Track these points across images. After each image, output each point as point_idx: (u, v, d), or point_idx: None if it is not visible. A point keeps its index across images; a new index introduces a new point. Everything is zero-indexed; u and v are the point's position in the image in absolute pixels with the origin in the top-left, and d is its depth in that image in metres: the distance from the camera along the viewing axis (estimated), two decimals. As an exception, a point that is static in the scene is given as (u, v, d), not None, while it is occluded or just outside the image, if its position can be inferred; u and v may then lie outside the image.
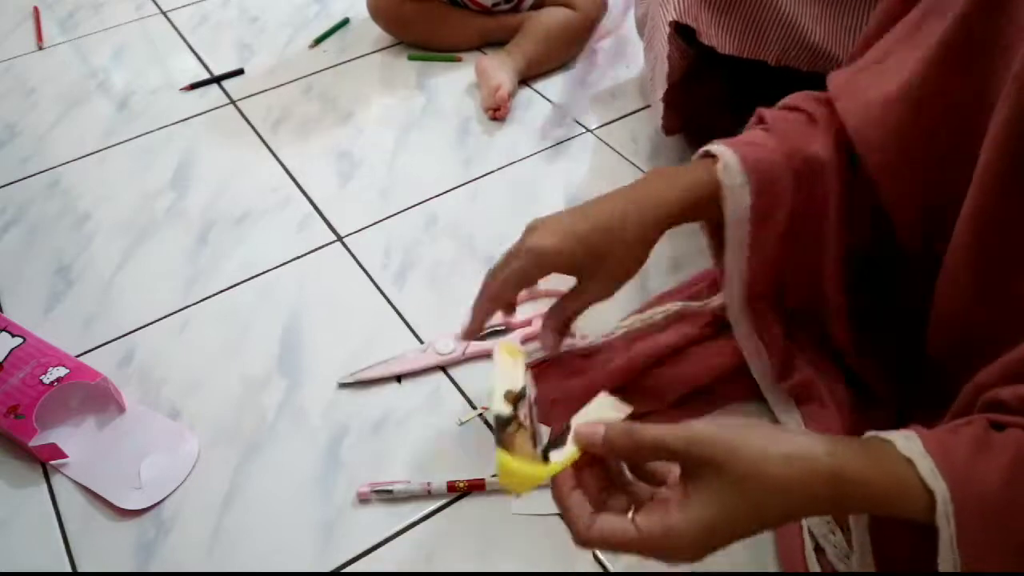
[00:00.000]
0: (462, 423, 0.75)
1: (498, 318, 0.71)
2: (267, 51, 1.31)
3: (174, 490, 0.73)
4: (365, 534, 0.69)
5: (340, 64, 1.27)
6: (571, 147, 1.08)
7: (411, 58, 1.26)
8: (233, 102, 1.21)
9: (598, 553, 0.66)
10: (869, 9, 0.81)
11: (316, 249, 0.96)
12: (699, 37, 0.87)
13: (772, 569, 0.65)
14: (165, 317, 0.89)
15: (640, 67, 1.20)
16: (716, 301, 0.78)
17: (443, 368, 0.81)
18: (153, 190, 1.06)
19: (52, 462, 0.76)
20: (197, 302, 0.91)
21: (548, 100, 1.16)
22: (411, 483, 0.71)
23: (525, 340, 0.81)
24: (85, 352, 0.86)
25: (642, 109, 1.13)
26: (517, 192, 1.02)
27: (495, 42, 1.25)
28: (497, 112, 1.11)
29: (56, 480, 0.75)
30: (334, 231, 0.98)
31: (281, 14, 1.40)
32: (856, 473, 0.43)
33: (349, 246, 0.96)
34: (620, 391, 0.75)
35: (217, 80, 1.25)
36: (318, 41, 1.32)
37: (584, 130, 1.11)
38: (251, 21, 1.39)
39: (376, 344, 0.83)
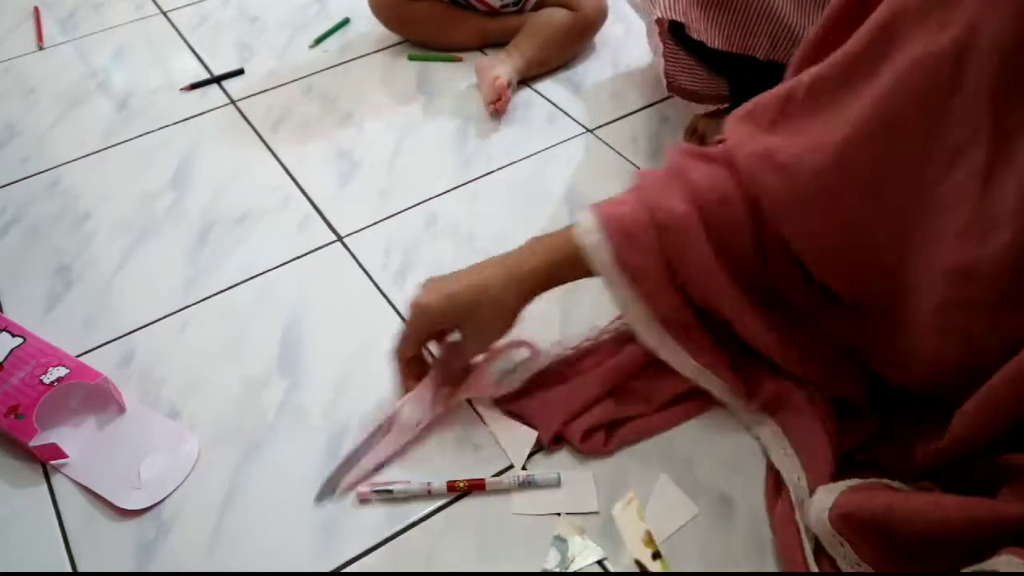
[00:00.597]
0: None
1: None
2: (267, 51, 1.31)
3: (174, 490, 0.73)
4: (365, 534, 0.69)
5: (340, 64, 1.27)
6: (571, 147, 1.08)
7: (411, 58, 1.26)
8: (233, 102, 1.21)
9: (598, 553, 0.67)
10: None
11: (316, 249, 0.96)
12: (688, 32, 0.88)
13: (772, 569, 0.65)
14: (165, 317, 0.89)
15: (640, 67, 1.20)
16: None
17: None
18: (153, 190, 1.06)
19: (52, 462, 0.76)
20: (197, 302, 0.91)
21: (548, 100, 1.16)
22: (411, 483, 0.71)
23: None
24: (85, 352, 0.86)
25: (642, 109, 1.13)
26: (517, 192, 1.02)
27: (496, 43, 1.25)
28: (497, 103, 1.11)
29: (56, 480, 0.75)
30: (334, 231, 0.98)
31: (281, 14, 1.40)
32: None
33: (349, 246, 0.96)
34: (609, 394, 0.75)
35: (217, 80, 1.25)
36: (318, 41, 1.32)
37: (584, 130, 1.11)
38: (251, 21, 1.39)
39: (376, 344, 0.83)
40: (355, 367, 0.82)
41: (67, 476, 0.75)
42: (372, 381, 0.80)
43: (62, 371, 0.79)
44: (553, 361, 0.80)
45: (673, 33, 0.92)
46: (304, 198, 1.03)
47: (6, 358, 0.81)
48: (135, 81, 1.27)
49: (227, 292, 0.92)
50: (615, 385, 0.76)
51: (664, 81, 0.97)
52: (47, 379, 0.78)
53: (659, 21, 0.89)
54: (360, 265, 0.94)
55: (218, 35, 1.37)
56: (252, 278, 0.93)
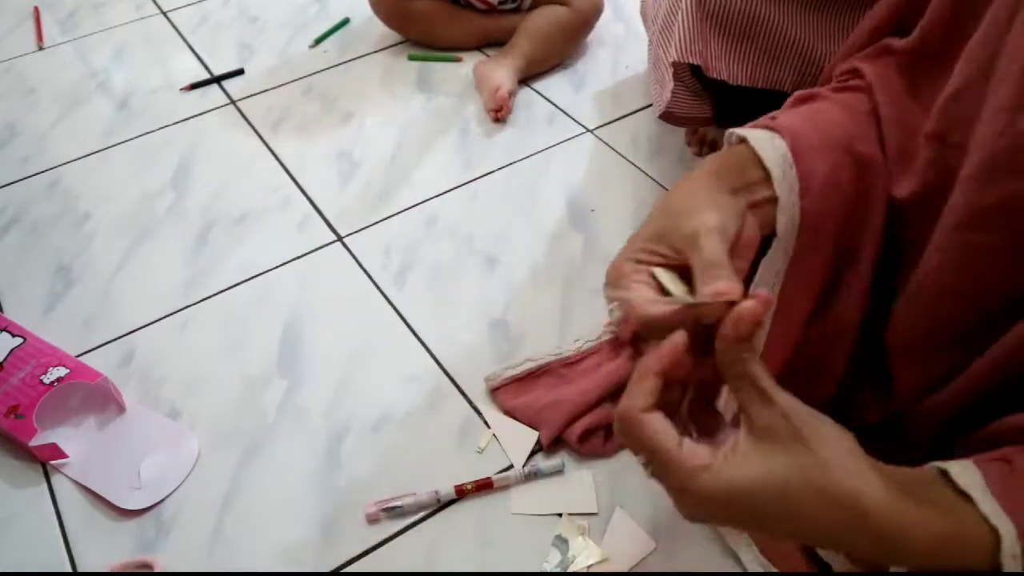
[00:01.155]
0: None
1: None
2: (267, 51, 1.31)
3: (174, 490, 0.73)
4: (365, 534, 0.69)
5: (340, 64, 1.27)
6: (571, 147, 1.08)
7: (411, 58, 1.26)
8: (233, 102, 1.21)
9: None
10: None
11: (316, 249, 0.96)
12: (706, 72, 0.85)
13: (772, 569, 0.65)
14: (165, 317, 0.89)
15: (640, 67, 1.20)
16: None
17: (442, 367, 0.81)
18: (153, 190, 1.06)
19: (52, 462, 0.76)
20: (197, 302, 0.91)
21: (548, 100, 1.16)
22: (418, 495, 0.71)
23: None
24: (85, 352, 0.86)
25: (642, 109, 1.13)
26: (517, 192, 1.02)
27: (495, 43, 1.25)
28: (499, 113, 1.11)
29: (56, 480, 0.75)
30: (334, 231, 0.98)
31: (281, 14, 1.40)
32: (904, 526, 0.38)
33: (349, 246, 0.96)
34: (611, 396, 0.75)
35: (217, 80, 1.25)
36: (318, 41, 1.32)
37: (584, 130, 1.11)
38: (251, 21, 1.39)
39: (376, 344, 0.83)
40: (355, 367, 0.82)
41: (67, 476, 0.75)
42: (372, 381, 0.80)
43: (62, 371, 0.79)
44: (552, 364, 0.80)
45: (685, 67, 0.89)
46: (304, 198, 1.03)
47: (6, 358, 0.81)
48: (135, 81, 1.27)
49: (227, 292, 0.92)
50: (615, 386, 0.76)
51: (659, 110, 0.94)
52: (47, 379, 0.78)
53: (675, 64, 0.86)
54: (360, 265, 0.94)
55: (218, 35, 1.37)
56: (252, 278, 0.93)
